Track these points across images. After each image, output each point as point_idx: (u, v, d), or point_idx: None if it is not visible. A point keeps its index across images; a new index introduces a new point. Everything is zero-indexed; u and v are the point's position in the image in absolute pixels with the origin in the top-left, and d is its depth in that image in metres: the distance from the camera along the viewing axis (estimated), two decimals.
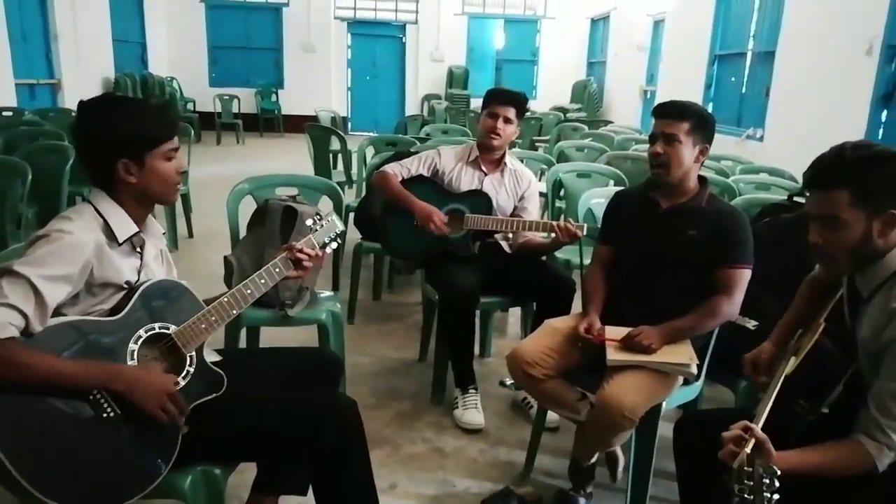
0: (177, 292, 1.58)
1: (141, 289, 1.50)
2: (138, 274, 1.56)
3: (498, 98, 2.85)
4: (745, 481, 1.22)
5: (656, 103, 2.21)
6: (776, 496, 1.19)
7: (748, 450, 1.26)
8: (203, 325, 1.55)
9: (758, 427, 1.33)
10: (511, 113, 2.82)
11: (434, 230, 2.70)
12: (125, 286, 1.51)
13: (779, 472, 1.21)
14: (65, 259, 1.39)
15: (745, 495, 1.21)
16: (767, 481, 1.20)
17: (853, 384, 1.47)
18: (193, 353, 1.55)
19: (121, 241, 1.51)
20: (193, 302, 1.60)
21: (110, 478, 1.39)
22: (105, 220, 1.50)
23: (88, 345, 1.40)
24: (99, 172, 1.53)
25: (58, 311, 1.40)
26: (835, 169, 1.39)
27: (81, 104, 1.54)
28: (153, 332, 1.50)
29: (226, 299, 1.60)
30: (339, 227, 1.87)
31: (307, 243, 1.76)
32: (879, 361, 1.37)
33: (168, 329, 1.52)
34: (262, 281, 1.66)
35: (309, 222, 1.82)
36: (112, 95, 1.58)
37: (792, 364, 1.54)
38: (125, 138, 1.49)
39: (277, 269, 1.70)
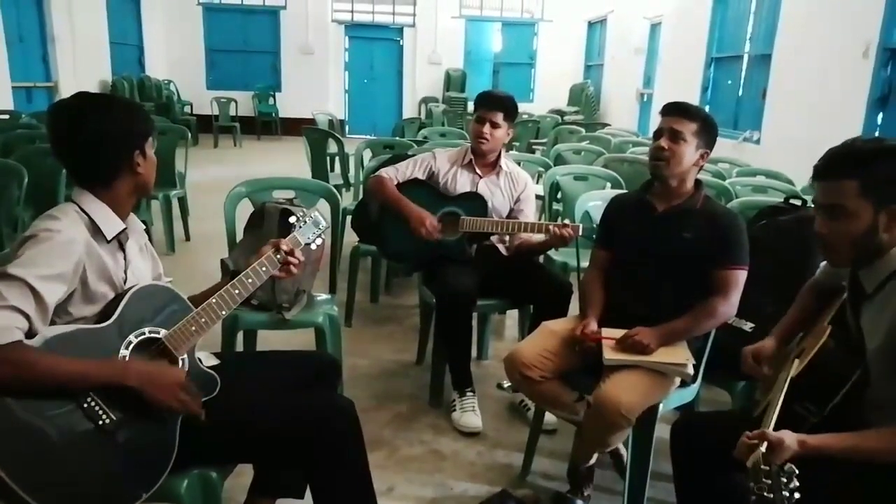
0: (164, 295, 1.58)
1: (128, 294, 1.50)
2: (125, 272, 1.56)
3: (485, 103, 2.84)
4: (764, 479, 1.23)
5: (655, 106, 2.23)
6: (797, 494, 1.20)
7: (762, 449, 1.27)
8: (193, 328, 1.55)
9: (769, 428, 1.34)
10: (499, 117, 2.81)
11: (424, 235, 2.70)
12: (116, 285, 1.51)
13: (797, 472, 1.22)
14: (57, 257, 1.38)
15: (765, 493, 1.21)
16: (785, 480, 1.21)
17: (857, 385, 1.47)
18: (185, 356, 1.55)
19: (109, 238, 1.51)
20: (182, 304, 1.59)
21: (110, 486, 1.38)
22: (91, 218, 1.49)
23: (79, 354, 1.39)
24: (109, 169, 1.53)
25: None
26: (846, 159, 1.41)
27: (74, 106, 1.51)
28: (143, 336, 1.49)
29: (214, 300, 1.59)
30: (323, 223, 1.86)
31: (292, 241, 1.75)
32: None
33: (158, 333, 1.51)
34: (250, 280, 1.65)
35: (292, 219, 1.81)
36: (90, 94, 1.58)
37: (796, 367, 1.54)
38: (139, 130, 1.56)
39: (264, 268, 1.68)
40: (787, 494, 1.20)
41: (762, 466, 1.24)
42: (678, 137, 2.04)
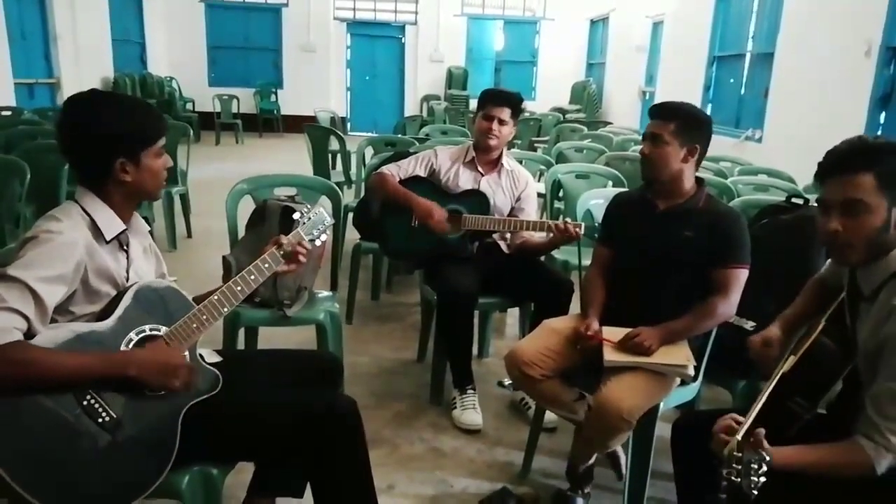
0: (166, 293, 1.57)
1: (129, 292, 1.49)
2: (127, 272, 1.55)
3: (492, 99, 2.84)
4: (734, 465, 1.24)
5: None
6: (763, 479, 1.21)
7: (738, 437, 1.28)
8: (195, 325, 1.54)
9: (749, 419, 1.34)
10: (506, 114, 2.81)
11: (434, 226, 2.69)
12: (118, 284, 1.51)
13: (768, 458, 1.23)
14: (57, 259, 1.38)
15: (734, 478, 1.23)
16: (756, 466, 1.22)
17: (852, 382, 1.47)
18: (186, 354, 1.54)
19: (108, 238, 1.51)
20: (183, 301, 1.58)
21: (111, 483, 1.39)
22: (92, 219, 1.49)
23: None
24: (93, 171, 1.51)
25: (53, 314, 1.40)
26: (860, 153, 1.39)
27: (72, 100, 1.51)
28: (144, 334, 1.49)
29: (216, 297, 1.58)
30: (328, 219, 1.83)
31: (295, 236, 1.73)
32: (878, 360, 1.37)
33: (159, 330, 1.51)
34: (252, 277, 1.64)
35: (296, 216, 1.78)
36: (101, 92, 1.56)
37: (790, 363, 1.54)
38: (124, 137, 1.49)
39: (266, 265, 1.67)
40: (756, 479, 1.21)
41: (735, 453, 1.25)
42: (658, 140, 2.04)
